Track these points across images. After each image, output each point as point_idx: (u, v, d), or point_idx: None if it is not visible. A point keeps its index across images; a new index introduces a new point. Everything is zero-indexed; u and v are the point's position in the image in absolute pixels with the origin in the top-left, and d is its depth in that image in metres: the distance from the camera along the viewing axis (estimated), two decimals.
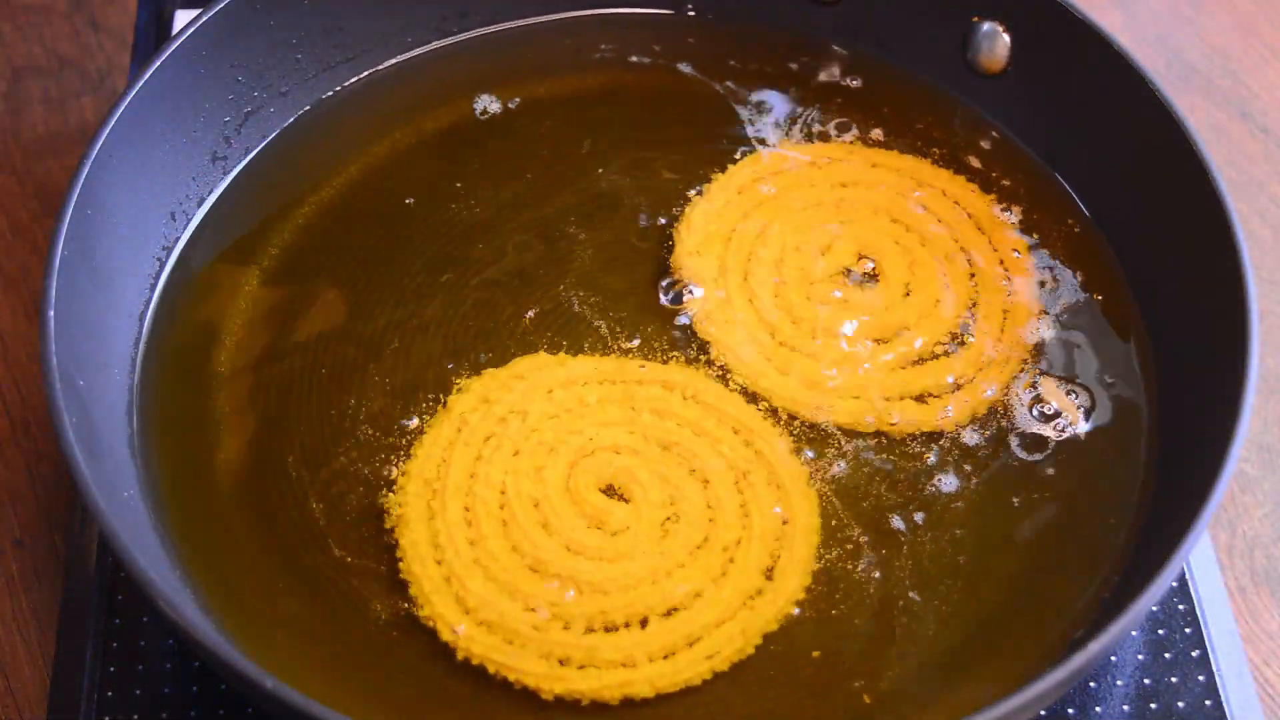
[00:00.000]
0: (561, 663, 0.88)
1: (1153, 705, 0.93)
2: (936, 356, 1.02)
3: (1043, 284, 1.06)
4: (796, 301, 1.04)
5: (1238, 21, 1.38)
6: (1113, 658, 0.95)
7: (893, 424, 0.98)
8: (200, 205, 1.09)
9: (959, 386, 1.00)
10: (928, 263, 1.06)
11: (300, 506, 0.95)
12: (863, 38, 1.19)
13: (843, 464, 0.97)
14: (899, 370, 1.01)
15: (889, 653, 0.90)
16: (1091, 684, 0.94)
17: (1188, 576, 0.98)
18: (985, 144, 1.14)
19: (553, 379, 1.00)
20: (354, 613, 0.91)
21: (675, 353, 1.02)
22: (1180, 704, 0.93)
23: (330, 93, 1.16)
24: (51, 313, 0.91)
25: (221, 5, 1.07)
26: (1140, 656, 0.95)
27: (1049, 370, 1.01)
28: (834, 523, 0.94)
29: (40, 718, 0.96)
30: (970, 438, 0.98)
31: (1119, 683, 0.94)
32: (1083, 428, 0.99)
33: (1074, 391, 1.00)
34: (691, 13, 1.22)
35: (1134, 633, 0.96)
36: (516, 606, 0.90)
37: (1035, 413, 0.99)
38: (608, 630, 0.89)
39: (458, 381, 1.00)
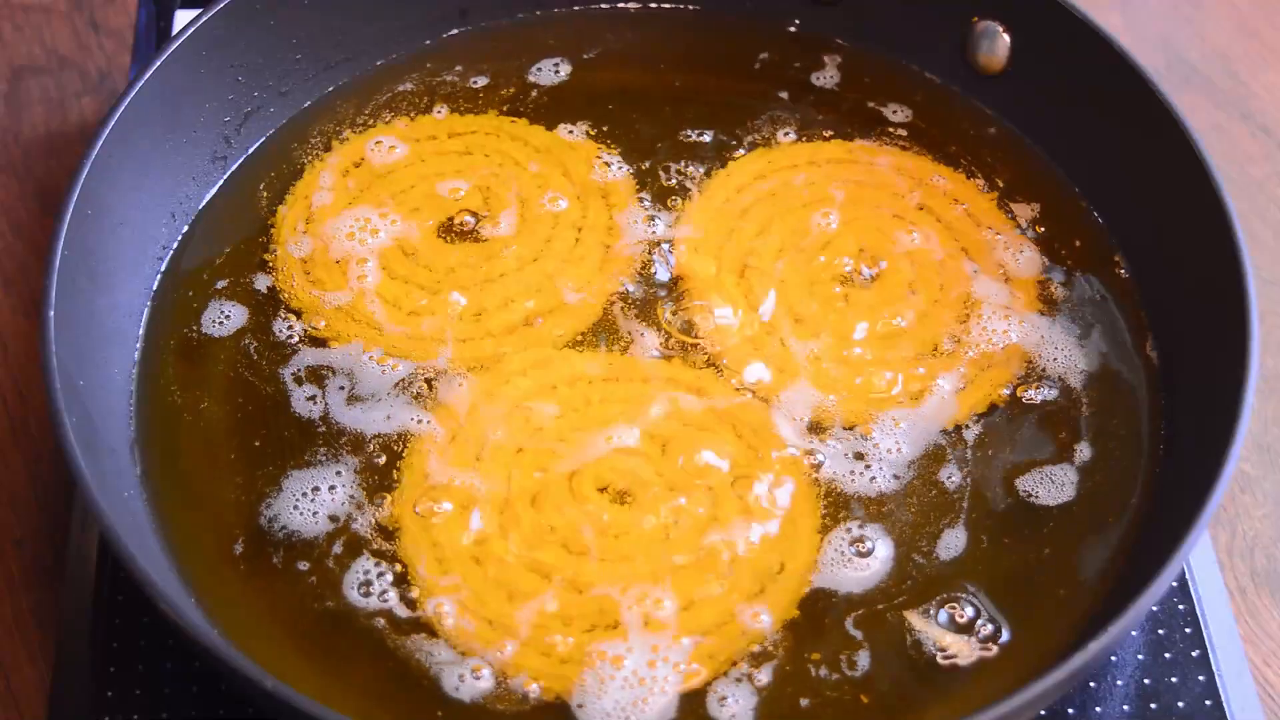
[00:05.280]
0: (562, 663, 0.88)
1: (1153, 705, 0.93)
2: (937, 356, 1.02)
3: (1043, 282, 1.06)
4: (796, 300, 1.04)
5: (1238, 22, 1.38)
6: (1113, 658, 0.95)
7: (892, 422, 0.98)
8: (200, 205, 1.09)
9: (960, 385, 1.00)
10: (928, 261, 1.06)
11: (300, 505, 0.95)
12: (863, 36, 1.19)
13: (844, 463, 0.97)
14: (900, 369, 1.01)
15: (888, 653, 0.90)
16: (1091, 684, 0.94)
17: (1188, 576, 0.98)
18: (986, 143, 1.14)
19: (556, 376, 1.00)
20: (352, 611, 0.91)
21: (675, 351, 1.02)
22: (1180, 704, 0.93)
23: (330, 92, 1.16)
24: (51, 313, 0.91)
25: (221, 5, 1.07)
26: (1140, 656, 0.95)
27: (1049, 366, 1.01)
28: (836, 522, 0.94)
29: (40, 718, 0.96)
30: (970, 435, 0.98)
31: (1119, 683, 0.94)
32: (1081, 429, 0.99)
33: (1073, 385, 1.00)
34: (694, 7, 1.22)
35: (1134, 633, 0.96)
36: (516, 606, 0.90)
37: (1034, 413, 1.00)
38: (608, 630, 0.89)
39: (459, 377, 1.00)
